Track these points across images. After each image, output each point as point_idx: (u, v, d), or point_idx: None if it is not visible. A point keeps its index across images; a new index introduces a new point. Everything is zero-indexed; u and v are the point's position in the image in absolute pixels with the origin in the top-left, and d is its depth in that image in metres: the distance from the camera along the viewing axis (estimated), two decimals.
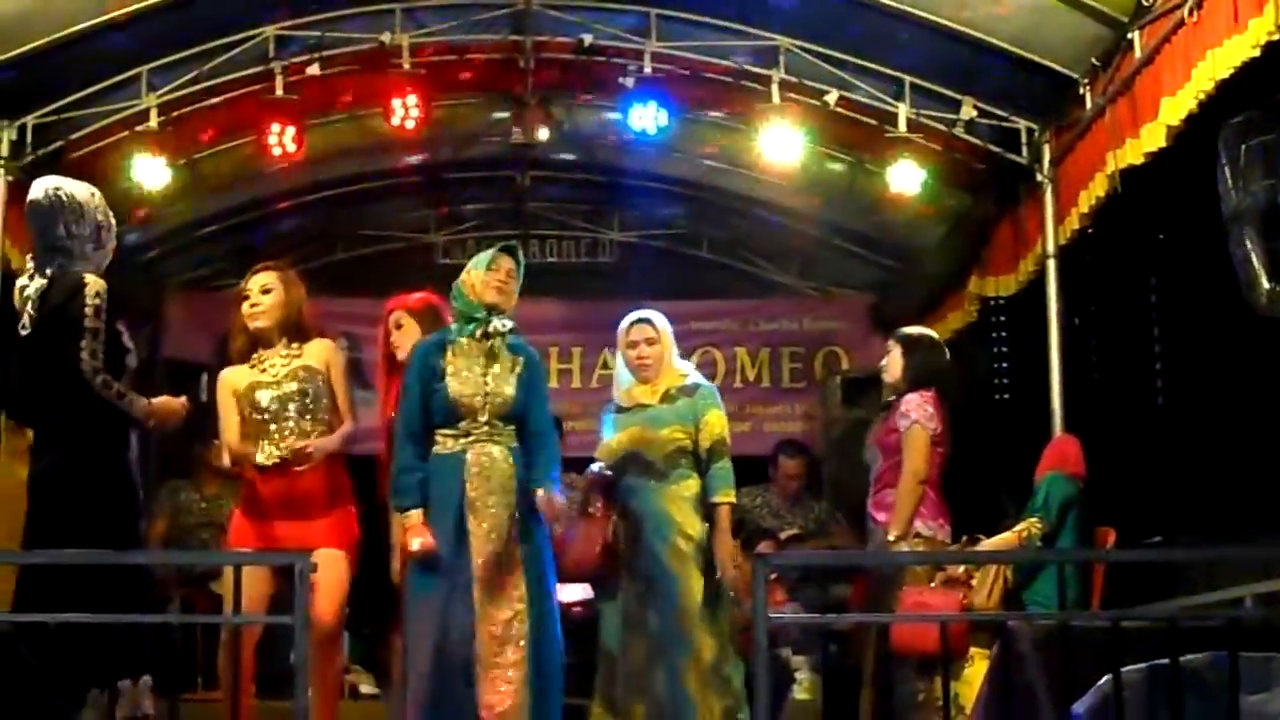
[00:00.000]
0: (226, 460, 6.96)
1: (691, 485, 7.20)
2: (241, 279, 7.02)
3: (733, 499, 7.25)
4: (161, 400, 6.16)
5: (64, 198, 5.98)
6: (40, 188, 6.08)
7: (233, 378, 6.83)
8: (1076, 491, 8.01)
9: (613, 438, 7.31)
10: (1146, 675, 5.06)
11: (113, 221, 6.15)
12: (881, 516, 7.54)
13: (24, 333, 6.03)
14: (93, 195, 6.00)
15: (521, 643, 6.30)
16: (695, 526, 7.15)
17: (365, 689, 10.24)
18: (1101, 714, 4.98)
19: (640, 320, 7.38)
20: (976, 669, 6.88)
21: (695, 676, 6.96)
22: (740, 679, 7.00)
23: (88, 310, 5.81)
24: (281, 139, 10.17)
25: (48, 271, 5.99)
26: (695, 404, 7.27)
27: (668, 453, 7.19)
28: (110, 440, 5.93)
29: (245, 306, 6.84)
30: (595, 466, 7.36)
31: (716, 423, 7.25)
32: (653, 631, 7.03)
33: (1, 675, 5.27)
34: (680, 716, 6.92)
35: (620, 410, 7.36)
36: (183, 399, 6.30)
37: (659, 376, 7.34)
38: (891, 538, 7.38)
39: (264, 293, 6.84)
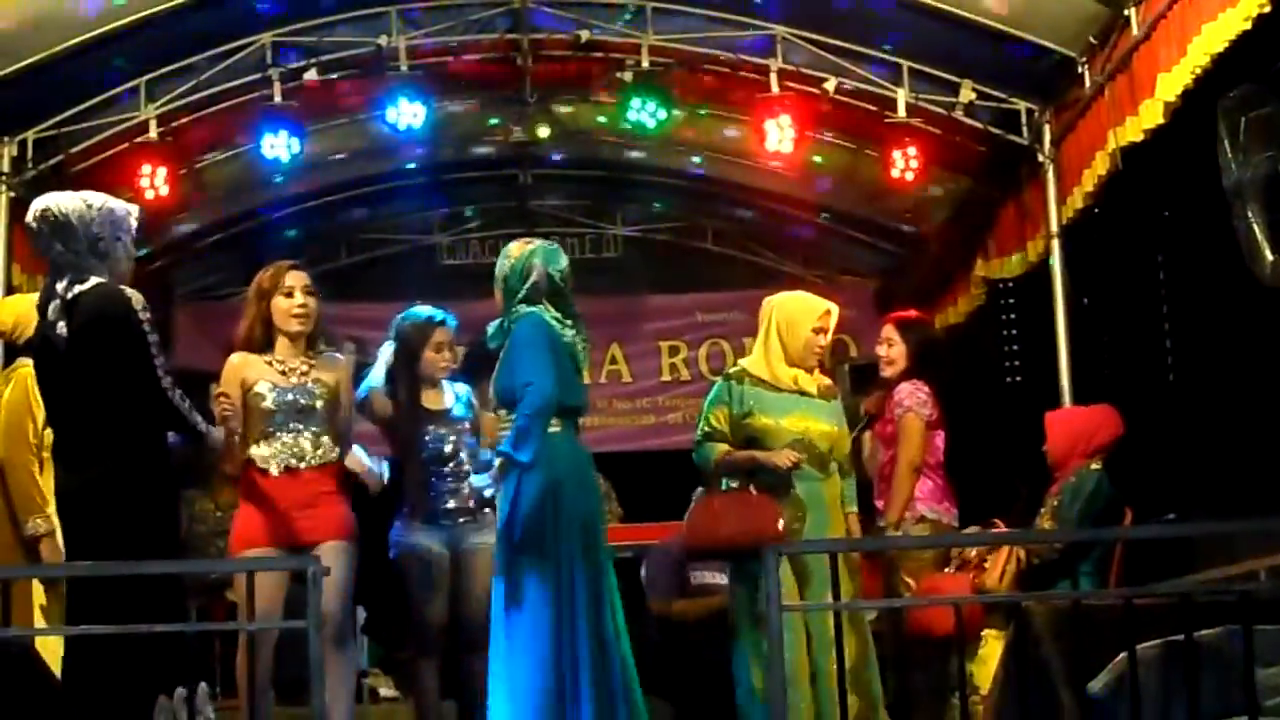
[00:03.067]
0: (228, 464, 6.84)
1: (838, 485, 7.03)
2: (246, 287, 6.87)
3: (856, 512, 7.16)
4: None
5: (50, 218, 5.79)
6: (30, 210, 5.92)
7: (246, 369, 6.67)
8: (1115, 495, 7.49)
9: (782, 419, 6.93)
10: (1162, 652, 5.04)
11: (121, 228, 5.90)
12: (882, 505, 7.54)
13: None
14: (89, 207, 5.78)
15: None
16: (844, 526, 7.02)
17: (385, 692, 10.25)
18: (1117, 692, 4.97)
19: (830, 309, 7.12)
20: (991, 649, 6.87)
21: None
22: (878, 684, 6.84)
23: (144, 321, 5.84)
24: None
25: (57, 287, 5.83)
26: (838, 409, 7.09)
27: (828, 448, 6.97)
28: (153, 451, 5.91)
29: (288, 304, 6.67)
30: (786, 454, 6.83)
31: (847, 438, 7.17)
32: (807, 626, 6.71)
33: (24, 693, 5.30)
34: (823, 714, 6.64)
35: (774, 389, 6.99)
36: None
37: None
38: (885, 523, 7.38)
39: (308, 294, 6.72)
